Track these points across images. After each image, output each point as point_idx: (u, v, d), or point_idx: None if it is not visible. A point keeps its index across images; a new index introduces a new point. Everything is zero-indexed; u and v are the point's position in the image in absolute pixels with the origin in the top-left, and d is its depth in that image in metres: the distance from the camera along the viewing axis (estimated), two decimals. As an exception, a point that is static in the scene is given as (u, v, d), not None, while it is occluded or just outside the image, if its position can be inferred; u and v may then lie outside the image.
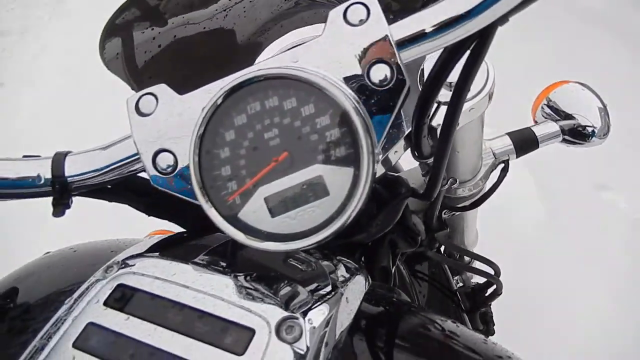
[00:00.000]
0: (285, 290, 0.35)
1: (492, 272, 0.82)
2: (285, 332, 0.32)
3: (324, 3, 0.62)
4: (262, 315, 0.33)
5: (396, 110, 0.34)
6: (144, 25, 0.51)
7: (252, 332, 0.32)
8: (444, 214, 0.80)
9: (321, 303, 0.35)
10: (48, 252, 0.53)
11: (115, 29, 0.50)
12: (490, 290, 0.87)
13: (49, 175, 0.39)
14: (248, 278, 0.36)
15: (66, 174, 0.39)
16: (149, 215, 0.47)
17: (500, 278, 0.81)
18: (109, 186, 0.41)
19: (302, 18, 0.65)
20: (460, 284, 1.02)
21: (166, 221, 0.49)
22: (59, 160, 0.39)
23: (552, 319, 1.75)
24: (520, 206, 2.07)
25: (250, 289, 0.35)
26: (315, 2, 0.62)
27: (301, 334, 0.32)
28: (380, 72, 0.34)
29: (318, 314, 0.34)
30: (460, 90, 0.39)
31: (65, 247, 0.53)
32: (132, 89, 0.55)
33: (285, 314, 0.33)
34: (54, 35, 2.81)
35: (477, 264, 0.88)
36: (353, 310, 0.38)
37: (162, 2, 0.52)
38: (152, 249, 0.41)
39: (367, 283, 0.43)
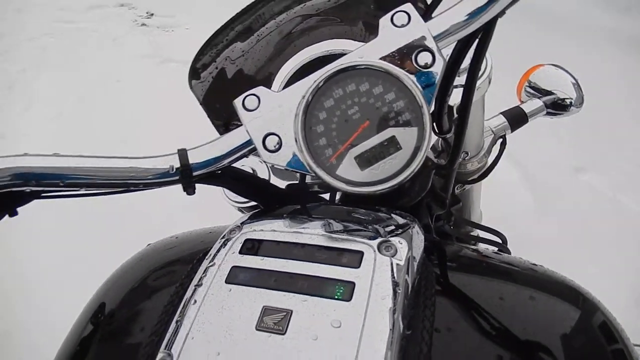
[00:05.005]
0: (371, 226, 0.47)
1: (500, 241, 0.94)
2: (385, 250, 0.44)
3: (332, 20, 0.74)
4: (364, 242, 0.44)
5: (438, 83, 0.47)
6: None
7: (361, 253, 0.43)
8: (456, 189, 0.93)
9: (403, 232, 0.47)
10: (149, 244, 0.64)
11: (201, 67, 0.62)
12: None
13: (177, 166, 0.50)
14: (337, 221, 0.48)
15: (190, 162, 0.50)
16: (242, 196, 0.59)
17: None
18: (219, 172, 0.53)
19: (311, 37, 0.77)
20: None
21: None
22: (183, 154, 0.50)
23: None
24: (508, 195, 2.22)
25: (343, 228, 0.47)
26: (325, 20, 0.74)
27: (397, 251, 0.44)
28: (424, 58, 0.47)
29: (402, 240, 0.46)
30: (473, 70, 0.53)
31: (163, 238, 0.64)
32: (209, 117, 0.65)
33: (382, 238, 0.45)
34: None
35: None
36: (422, 240, 0.50)
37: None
38: (253, 218, 0.53)
39: (421, 228, 0.56)
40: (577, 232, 2.06)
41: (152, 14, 3.56)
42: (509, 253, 0.94)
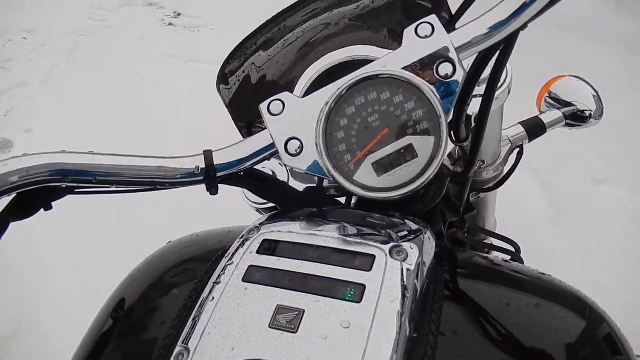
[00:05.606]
0: (384, 230, 0.48)
1: (513, 250, 0.95)
2: (397, 255, 0.45)
3: (358, 26, 0.75)
4: (377, 245, 0.46)
5: (458, 94, 0.48)
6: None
7: (373, 257, 0.45)
8: (471, 197, 0.94)
9: (415, 237, 0.48)
10: (170, 241, 0.66)
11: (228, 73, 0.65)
12: None
13: (203, 166, 0.52)
14: (352, 224, 0.49)
15: (215, 164, 0.53)
16: (261, 197, 0.61)
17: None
18: (241, 174, 0.55)
19: (334, 43, 0.79)
20: None
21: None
22: (209, 155, 0.53)
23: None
24: (527, 205, 2.20)
25: (357, 232, 0.48)
26: (350, 27, 0.76)
27: (407, 255, 0.45)
28: (445, 69, 0.48)
29: (414, 245, 0.47)
30: (493, 81, 0.54)
31: (185, 236, 0.66)
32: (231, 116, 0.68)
33: (394, 243, 0.46)
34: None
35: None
36: (433, 246, 0.52)
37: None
38: (271, 219, 0.55)
39: (433, 234, 0.57)
40: (595, 245, 2.03)
41: (179, 14, 3.64)
42: (522, 262, 0.94)
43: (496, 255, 1.18)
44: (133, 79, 2.99)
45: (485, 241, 1.21)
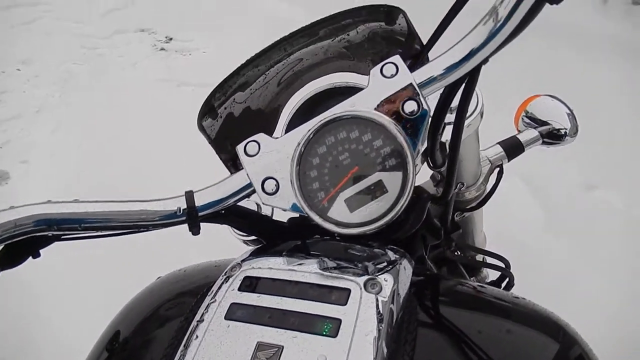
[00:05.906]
0: (362, 263, 0.50)
1: (503, 266, 0.96)
2: (371, 288, 0.47)
3: (343, 55, 0.77)
4: (352, 279, 0.48)
5: (424, 130, 0.51)
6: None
7: (348, 290, 0.47)
8: (456, 216, 0.96)
9: (390, 269, 0.50)
10: (160, 277, 0.68)
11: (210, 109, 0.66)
12: (503, 284, 1.01)
13: (184, 207, 0.55)
14: (331, 258, 0.51)
15: (196, 204, 0.55)
16: (245, 232, 0.63)
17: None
18: (222, 211, 0.57)
19: (318, 71, 0.81)
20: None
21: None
22: (190, 196, 0.55)
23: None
24: (520, 215, 2.22)
25: (336, 266, 0.50)
26: (336, 55, 0.77)
27: (381, 288, 0.47)
28: (410, 106, 0.51)
29: (389, 276, 0.49)
30: (461, 111, 0.57)
31: (173, 270, 0.68)
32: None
33: (368, 276, 0.48)
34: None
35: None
36: (409, 275, 0.54)
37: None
38: (253, 255, 0.57)
39: (411, 262, 0.59)
40: (589, 251, 2.04)
41: (170, 39, 3.69)
42: (512, 277, 0.95)
43: (479, 284, 1.19)
44: (126, 105, 3.02)
45: (476, 258, 1.23)
